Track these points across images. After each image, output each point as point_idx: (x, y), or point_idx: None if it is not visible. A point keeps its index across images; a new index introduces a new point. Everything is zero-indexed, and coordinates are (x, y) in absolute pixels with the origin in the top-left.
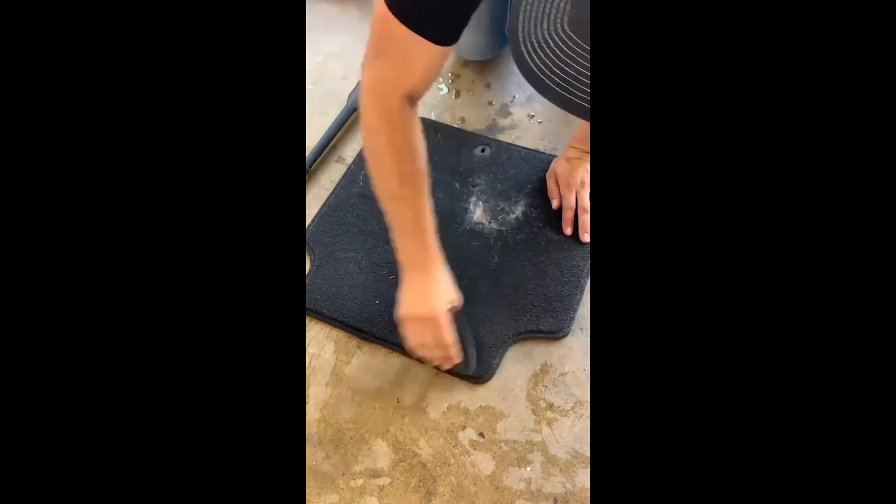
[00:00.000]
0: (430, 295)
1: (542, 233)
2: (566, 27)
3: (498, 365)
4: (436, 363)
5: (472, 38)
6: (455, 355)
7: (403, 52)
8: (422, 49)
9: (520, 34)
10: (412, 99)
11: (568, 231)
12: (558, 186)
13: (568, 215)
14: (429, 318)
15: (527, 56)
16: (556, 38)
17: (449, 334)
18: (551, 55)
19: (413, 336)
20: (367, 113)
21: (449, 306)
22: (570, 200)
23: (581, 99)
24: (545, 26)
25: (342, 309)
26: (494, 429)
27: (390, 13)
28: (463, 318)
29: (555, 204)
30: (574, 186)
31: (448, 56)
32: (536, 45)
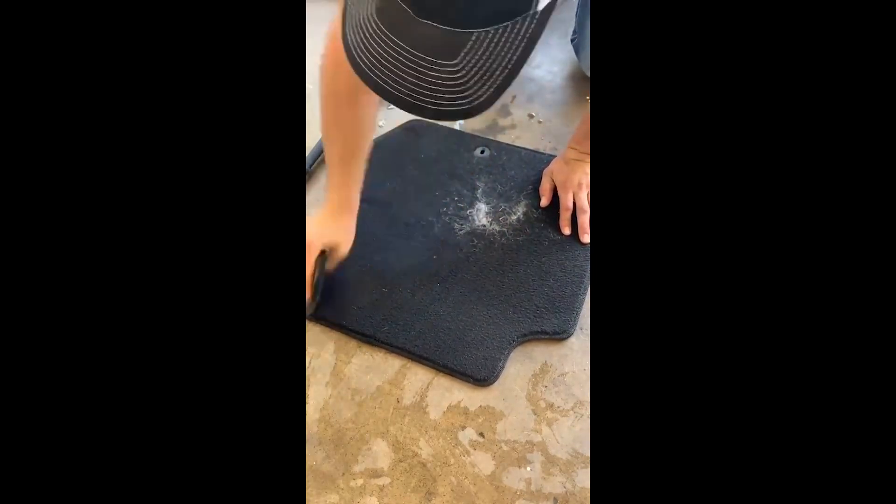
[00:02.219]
0: (315, 226)
1: (543, 233)
2: (374, 16)
3: (503, 367)
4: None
5: None
6: (307, 287)
7: None
8: None
9: (348, 27)
10: None
11: (566, 231)
12: (554, 186)
13: (565, 216)
14: (307, 244)
15: (351, 44)
16: (369, 26)
17: (308, 266)
18: (365, 42)
19: None
20: (325, 53)
21: (322, 247)
22: (566, 201)
23: (378, 79)
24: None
25: (345, 313)
26: (494, 429)
27: None
28: (322, 275)
29: (543, 201)
30: (571, 187)
31: None
32: (357, 30)
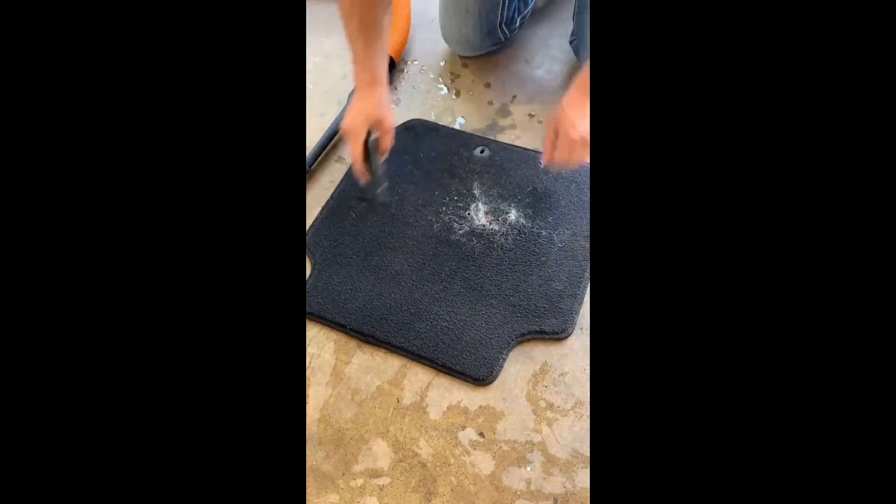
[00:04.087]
0: (353, 110)
1: (542, 233)
2: None
3: (502, 367)
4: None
5: (462, 32)
6: (359, 172)
7: None
8: None
9: None
10: None
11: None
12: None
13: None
14: (345, 130)
15: None
16: None
17: (355, 150)
18: None
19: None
20: None
21: (365, 122)
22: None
23: None
24: None
25: (345, 313)
26: (494, 429)
27: None
28: (379, 157)
29: (544, 158)
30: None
31: None
32: None
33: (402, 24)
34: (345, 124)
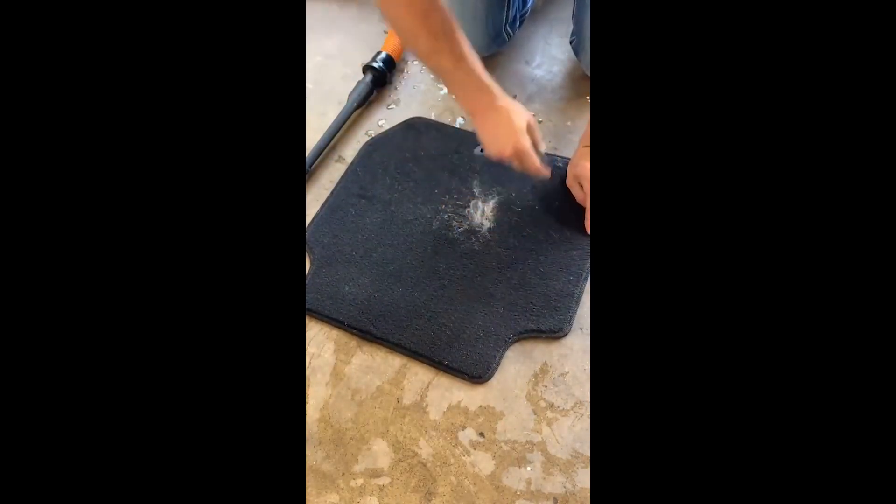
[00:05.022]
0: (503, 129)
1: (541, 232)
2: None
3: (498, 364)
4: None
5: (471, 37)
6: (544, 171)
7: None
8: None
9: None
10: None
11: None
12: (583, 189)
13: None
14: (514, 151)
15: None
16: None
17: (534, 160)
18: None
19: (513, 163)
20: None
21: (525, 130)
22: None
23: None
24: None
25: (343, 309)
26: (494, 429)
27: None
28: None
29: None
30: None
31: None
32: None
33: None
34: (511, 147)
